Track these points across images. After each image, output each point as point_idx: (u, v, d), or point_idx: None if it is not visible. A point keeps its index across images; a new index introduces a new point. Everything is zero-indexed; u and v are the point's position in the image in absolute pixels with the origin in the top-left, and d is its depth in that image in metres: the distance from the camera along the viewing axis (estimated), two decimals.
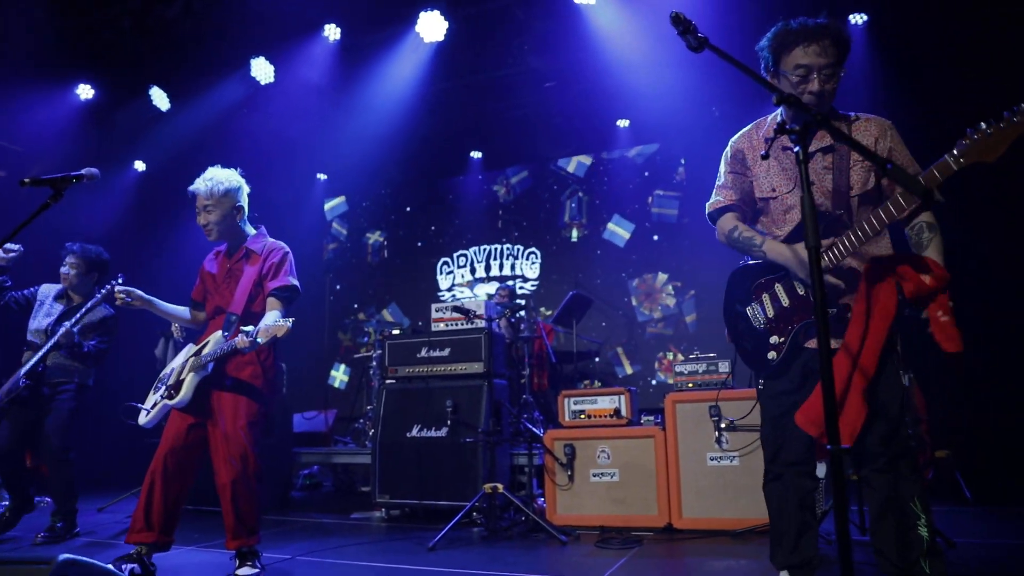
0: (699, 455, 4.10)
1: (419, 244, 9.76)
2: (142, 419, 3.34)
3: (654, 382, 8.10)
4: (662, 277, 8.23)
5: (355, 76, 7.21)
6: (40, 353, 4.24)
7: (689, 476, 4.11)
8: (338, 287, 10.20)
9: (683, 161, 8.33)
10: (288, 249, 3.50)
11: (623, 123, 8.41)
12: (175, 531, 3.29)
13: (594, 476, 4.37)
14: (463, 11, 6.45)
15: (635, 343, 8.28)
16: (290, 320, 2.97)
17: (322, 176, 10.14)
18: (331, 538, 4.32)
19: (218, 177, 3.40)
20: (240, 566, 3.19)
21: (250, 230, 3.56)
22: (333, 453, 6.54)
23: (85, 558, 1.43)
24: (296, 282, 3.41)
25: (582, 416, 4.56)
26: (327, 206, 10.44)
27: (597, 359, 8.07)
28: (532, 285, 8.92)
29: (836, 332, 2.21)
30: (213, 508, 3.84)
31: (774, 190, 2.40)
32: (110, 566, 1.54)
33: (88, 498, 5.65)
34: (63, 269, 4.57)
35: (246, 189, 3.52)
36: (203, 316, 3.59)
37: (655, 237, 8.36)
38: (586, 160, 8.89)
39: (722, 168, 2.56)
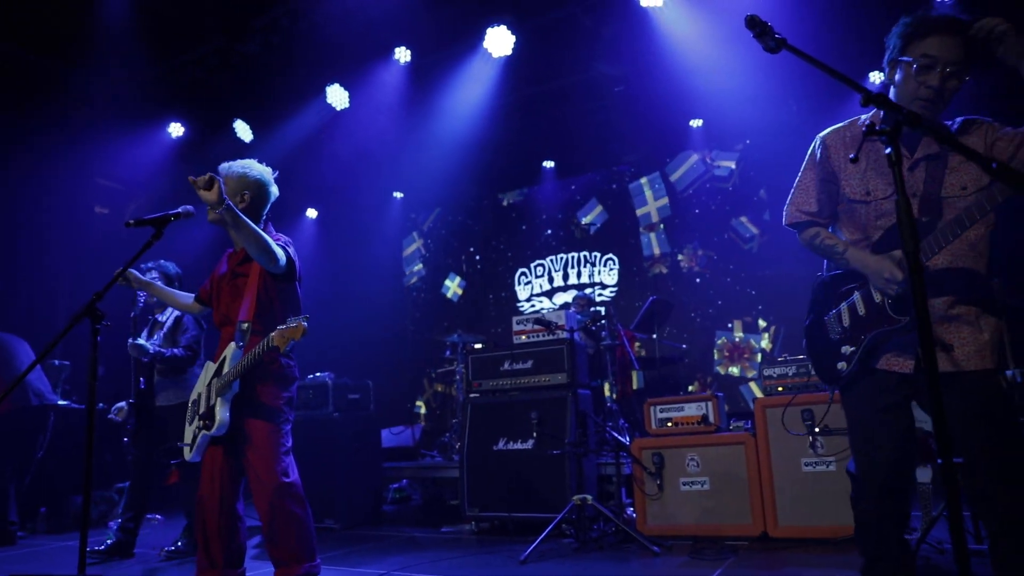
0: (793, 461, 3.98)
1: (495, 253, 9.84)
2: (187, 455, 3.09)
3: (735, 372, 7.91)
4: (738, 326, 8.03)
5: (426, 96, 7.36)
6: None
7: (783, 483, 3.99)
8: (420, 296, 10.40)
9: (762, 192, 8.10)
10: (289, 240, 3.19)
11: (696, 123, 8.27)
12: (244, 559, 3.09)
13: (684, 485, 4.30)
14: (530, 23, 6.49)
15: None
16: (304, 318, 2.73)
17: (399, 194, 10.37)
18: (424, 552, 4.39)
19: (242, 162, 3.20)
20: None
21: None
22: (421, 467, 6.65)
23: None
24: (289, 248, 3.06)
25: (669, 424, 4.50)
26: (406, 243, 10.67)
27: (686, 360, 7.93)
28: (611, 292, 8.85)
29: (907, 342, 2.13)
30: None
31: (868, 194, 2.25)
32: None
33: None
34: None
35: (269, 188, 3.22)
36: (199, 308, 3.41)
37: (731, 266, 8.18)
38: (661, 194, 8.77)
39: (807, 168, 2.43)
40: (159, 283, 3.85)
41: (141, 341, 4.48)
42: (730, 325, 8.04)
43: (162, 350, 4.57)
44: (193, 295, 3.45)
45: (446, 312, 10.02)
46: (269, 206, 3.23)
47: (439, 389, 9.33)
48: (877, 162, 2.24)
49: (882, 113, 2.25)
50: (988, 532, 2.07)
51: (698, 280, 8.32)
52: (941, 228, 2.04)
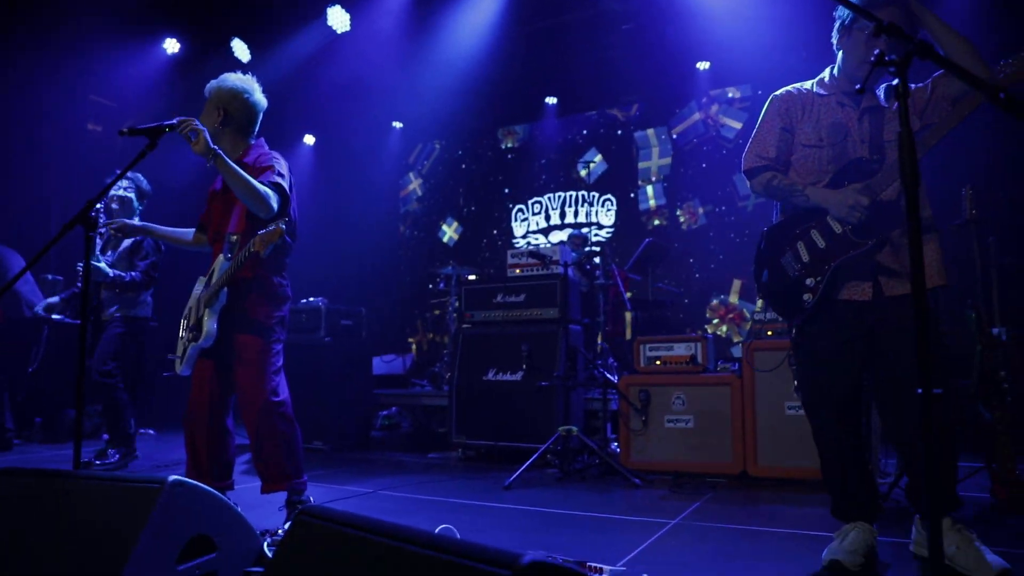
0: (777, 404, 4.05)
1: (493, 191, 9.78)
2: (177, 368, 3.06)
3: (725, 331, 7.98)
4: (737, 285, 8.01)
5: (430, 23, 7.19)
6: None
7: (765, 424, 4.07)
8: (416, 233, 10.37)
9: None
10: (279, 156, 3.07)
11: (703, 65, 8.11)
12: (232, 473, 3.12)
13: (668, 422, 4.38)
14: None
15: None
16: (281, 221, 2.69)
17: (398, 124, 10.23)
18: (410, 475, 4.49)
19: (227, 80, 3.05)
20: (287, 520, 2.93)
21: (249, 144, 3.13)
22: (411, 395, 6.75)
23: (192, 481, 1.54)
24: (281, 180, 2.92)
25: (657, 363, 4.55)
26: (403, 182, 10.55)
27: (679, 303, 7.97)
28: (608, 232, 8.84)
29: (866, 270, 2.43)
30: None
31: (822, 140, 2.55)
32: (213, 490, 1.64)
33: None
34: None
35: (250, 98, 3.07)
36: (205, 239, 3.27)
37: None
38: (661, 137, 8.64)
39: (766, 120, 2.70)
40: (139, 221, 3.94)
41: (101, 264, 4.55)
42: (729, 286, 8.04)
43: (121, 274, 4.66)
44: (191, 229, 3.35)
45: (441, 253, 10.00)
46: (259, 119, 3.13)
47: (431, 337, 9.40)
48: (830, 110, 2.57)
49: (826, 79, 2.64)
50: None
51: (697, 235, 8.29)
52: (888, 167, 2.37)
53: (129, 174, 4.69)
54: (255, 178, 2.83)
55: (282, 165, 3.01)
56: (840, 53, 2.59)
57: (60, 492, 1.66)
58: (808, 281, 2.49)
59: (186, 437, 3.03)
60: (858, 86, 1.46)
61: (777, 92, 2.71)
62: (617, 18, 7.29)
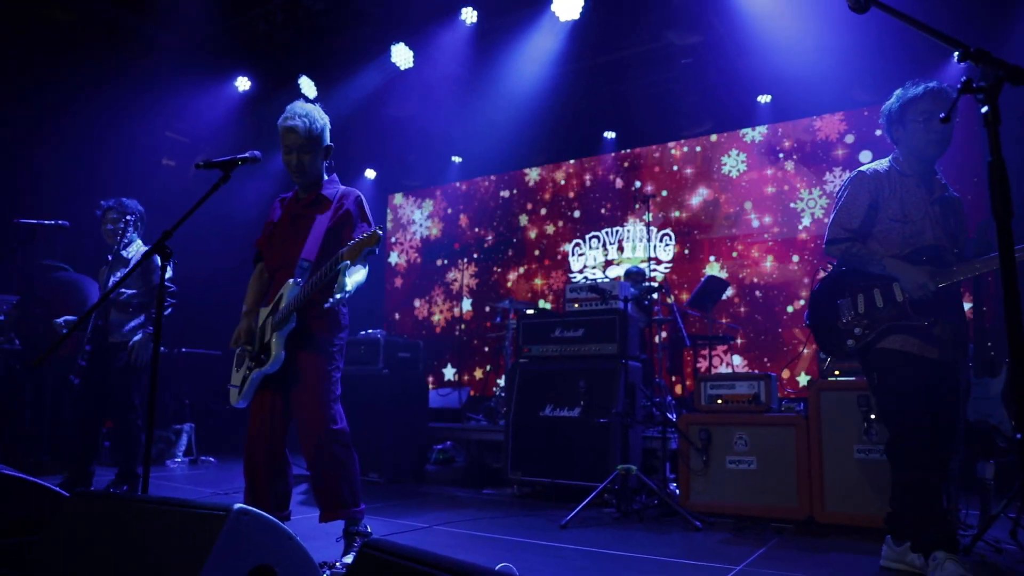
0: (845, 447, 3.88)
1: (553, 225, 9.78)
2: (234, 399, 3.05)
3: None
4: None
5: (491, 59, 7.31)
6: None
7: (833, 468, 3.90)
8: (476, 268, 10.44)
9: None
10: (360, 194, 3.13)
11: (764, 99, 8.03)
12: (289, 503, 3.07)
13: (730, 463, 4.24)
14: None
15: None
16: (379, 227, 2.70)
17: (457, 159, 10.36)
18: (466, 510, 4.45)
19: (313, 114, 3.02)
20: (346, 551, 2.93)
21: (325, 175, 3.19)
22: (467, 430, 6.72)
23: (256, 509, 1.54)
24: (377, 228, 2.81)
25: (719, 401, 4.44)
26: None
27: (737, 342, 7.79)
28: (666, 268, 8.73)
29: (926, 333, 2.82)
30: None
31: (906, 215, 2.88)
32: (277, 520, 1.64)
33: None
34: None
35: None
36: (262, 268, 3.25)
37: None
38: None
39: (853, 194, 3.01)
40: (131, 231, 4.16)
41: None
42: (785, 316, 7.84)
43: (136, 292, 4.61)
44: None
45: (499, 285, 10.03)
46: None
47: (488, 371, 9.39)
48: (909, 192, 2.92)
49: (890, 160, 3.01)
50: None
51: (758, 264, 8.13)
52: (963, 267, 2.77)
53: (112, 201, 4.77)
54: (348, 228, 2.96)
55: (366, 203, 3.11)
56: (902, 142, 2.96)
57: (129, 516, 1.69)
58: (856, 330, 2.89)
59: (245, 466, 3.01)
60: (942, 115, 1.41)
61: (864, 170, 3.02)
62: (676, 52, 7.29)
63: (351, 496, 2.96)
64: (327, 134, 3.10)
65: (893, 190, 2.93)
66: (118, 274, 4.61)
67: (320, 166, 3.10)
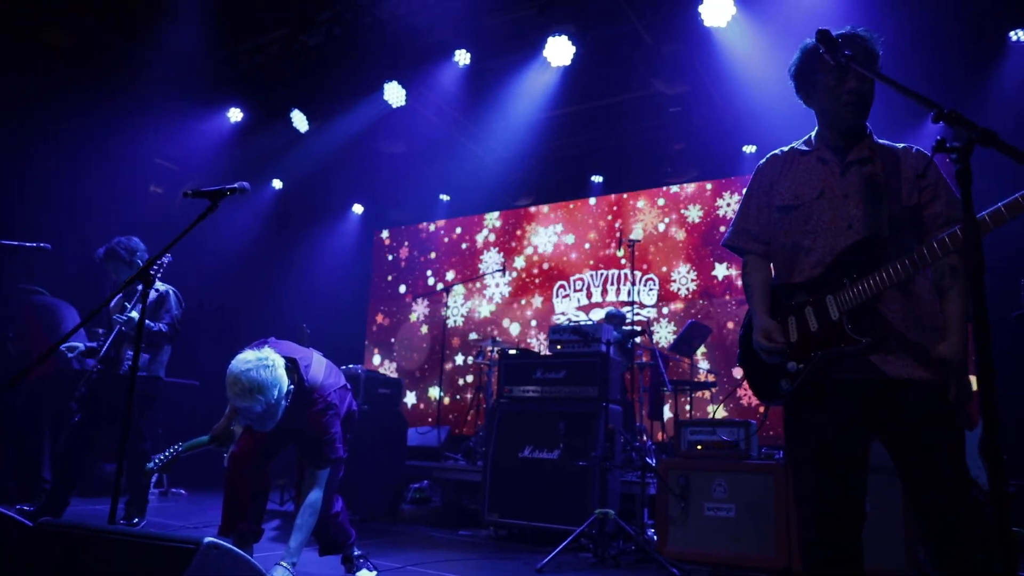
0: None
1: (537, 267, 9.83)
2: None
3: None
4: None
5: (482, 100, 7.41)
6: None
7: None
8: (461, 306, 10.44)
9: None
10: (332, 403, 3.18)
11: (749, 149, 8.18)
12: (263, 521, 3.33)
13: (709, 510, 4.22)
14: (592, 35, 6.50)
15: None
16: None
17: (445, 197, 10.43)
18: (440, 551, 4.38)
19: (257, 388, 2.81)
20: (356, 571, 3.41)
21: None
22: (444, 469, 6.64)
23: (226, 543, 1.52)
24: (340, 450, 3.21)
25: (699, 447, 4.43)
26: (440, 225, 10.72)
27: (715, 388, 7.81)
28: (649, 312, 8.77)
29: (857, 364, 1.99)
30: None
31: (797, 197, 2.16)
32: (247, 555, 1.61)
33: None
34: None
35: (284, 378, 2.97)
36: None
37: None
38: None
39: (746, 197, 2.34)
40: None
41: (134, 315, 4.54)
42: None
43: (150, 323, 4.64)
44: None
45: (480, 325, 10.03)
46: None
47: (468, 414, 9.33)
48: (807, 168, 2.19)
49: (814, 136, 2.25)
50: None
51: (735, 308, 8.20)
52: (885, 268, 1.94)
53: (103, 249, 4.80)
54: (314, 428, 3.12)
55: (338, 423, 3.21)
56: (813, 106, 2.24)
57: (95, 549, 1.65)
58: (790, 365, 2.08)
59: (226, 483, 3.19)
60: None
61: (761, 162, 2.41)
62: (665, 101, 7.43)
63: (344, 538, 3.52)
64: (283, 386, 2.93)
65: (785, 171, 2.24)
66: (136, 308, 4.62)
67: (283, 399, 2.96)
